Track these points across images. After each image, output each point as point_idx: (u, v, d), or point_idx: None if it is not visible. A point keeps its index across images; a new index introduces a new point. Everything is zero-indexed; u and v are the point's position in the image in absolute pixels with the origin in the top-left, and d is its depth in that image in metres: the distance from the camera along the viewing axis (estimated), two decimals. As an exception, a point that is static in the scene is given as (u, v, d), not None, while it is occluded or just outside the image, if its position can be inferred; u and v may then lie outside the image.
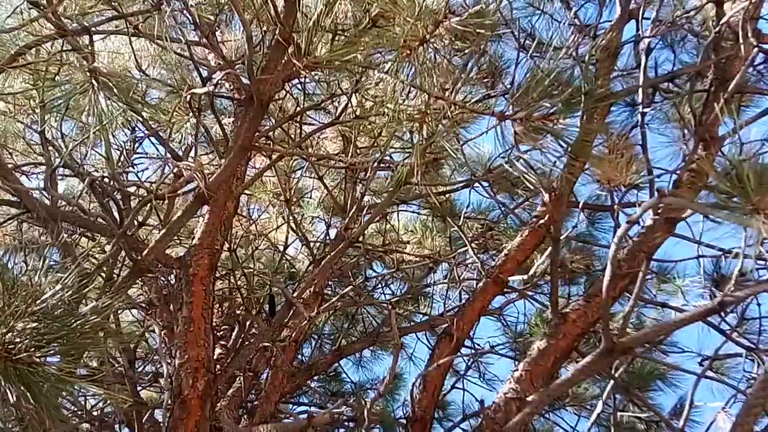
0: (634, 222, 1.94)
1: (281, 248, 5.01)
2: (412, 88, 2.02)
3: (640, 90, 2.96)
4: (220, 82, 3.86)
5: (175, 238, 3.36)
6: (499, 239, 4.88)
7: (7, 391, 1.38)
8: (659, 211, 2.60)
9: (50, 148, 3.57)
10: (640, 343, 2.37)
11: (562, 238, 2.78)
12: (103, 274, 2.71)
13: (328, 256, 3.94)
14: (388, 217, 5.20)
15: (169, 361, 2.68)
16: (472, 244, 4.40)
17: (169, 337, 2.91)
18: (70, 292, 1.51)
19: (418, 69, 1.91)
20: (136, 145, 4.30)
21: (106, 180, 3.02)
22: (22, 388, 1.43)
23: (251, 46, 2.11)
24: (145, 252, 2.35)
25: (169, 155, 3.06)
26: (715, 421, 3.15)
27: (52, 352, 1.45)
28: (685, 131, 3.64)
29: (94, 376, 1.51)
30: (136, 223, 3.26)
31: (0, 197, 3.13)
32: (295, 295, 3.83)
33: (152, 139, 4.09)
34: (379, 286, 5.19)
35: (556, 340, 2.66)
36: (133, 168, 4.23)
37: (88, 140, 3.96)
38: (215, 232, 2.94)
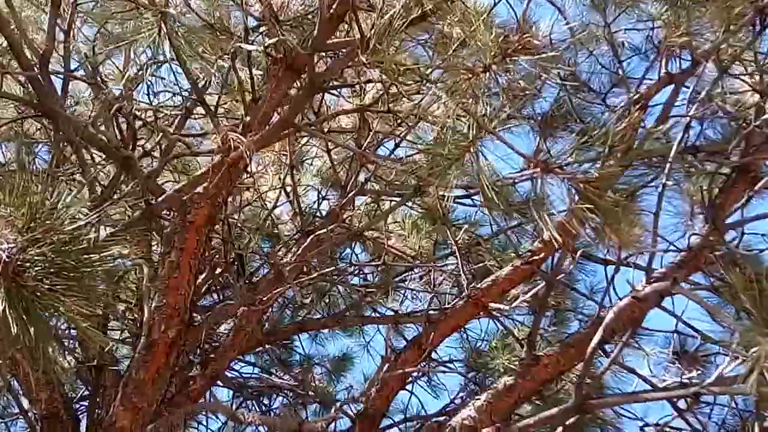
0: (642, 299, 1.98)
1: (269, 204, 5.01)
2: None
3: (668, 162, 2.98)
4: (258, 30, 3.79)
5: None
6: (483, 255, 4.91)
7: (8, 316, 1.37)
8: (653, 284, 2.63)
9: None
10: (606, 406, 2.42)
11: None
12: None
13: (319, 233, 3.95)
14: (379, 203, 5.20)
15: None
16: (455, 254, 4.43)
17: (152, 279, 2.88)
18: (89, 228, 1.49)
19: (476, 94, 1.91)
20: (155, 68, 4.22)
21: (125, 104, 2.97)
22: (21, 313, 1.41)
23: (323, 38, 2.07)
24: (161, 198, 2.33)
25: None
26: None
27: (59, 286, 1.44)
28: (694, 208, 3.70)
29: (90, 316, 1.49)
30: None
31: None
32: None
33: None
34: (355, 268, 5.19)
35: (524, 380, 2.70)
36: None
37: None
38: (222, 185, 2.90)
